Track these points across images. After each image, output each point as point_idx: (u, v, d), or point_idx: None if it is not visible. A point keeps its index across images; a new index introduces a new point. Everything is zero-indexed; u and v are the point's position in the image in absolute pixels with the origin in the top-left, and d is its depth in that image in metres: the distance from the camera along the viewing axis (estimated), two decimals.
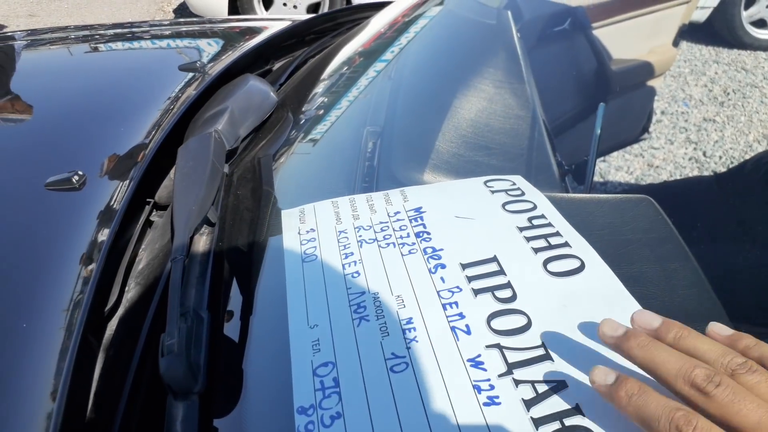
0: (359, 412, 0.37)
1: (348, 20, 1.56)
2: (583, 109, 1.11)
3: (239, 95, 0.86)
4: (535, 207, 0.55)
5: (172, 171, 0.78)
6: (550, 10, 1.32)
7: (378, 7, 1.63)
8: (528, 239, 0.50)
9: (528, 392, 0.37)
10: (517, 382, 0.38)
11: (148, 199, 0.68)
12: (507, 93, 1.01)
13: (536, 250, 0.49)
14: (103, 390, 0.44)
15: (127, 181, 0.67)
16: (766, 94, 1.19)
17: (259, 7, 3.50)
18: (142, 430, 0.43)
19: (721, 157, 1.16)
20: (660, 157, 1.20)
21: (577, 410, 0.35)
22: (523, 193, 0.58)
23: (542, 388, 0.37)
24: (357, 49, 1.12)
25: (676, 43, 1.30)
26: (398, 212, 0.57)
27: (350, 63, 1.06)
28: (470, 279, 0.47)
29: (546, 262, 0.47)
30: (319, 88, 0.98)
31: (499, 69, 1.07)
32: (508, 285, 0.46)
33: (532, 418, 0.35)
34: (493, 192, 0.59)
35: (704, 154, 1.17)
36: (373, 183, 0.66)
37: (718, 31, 1.36)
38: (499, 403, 0.37)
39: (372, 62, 1.06)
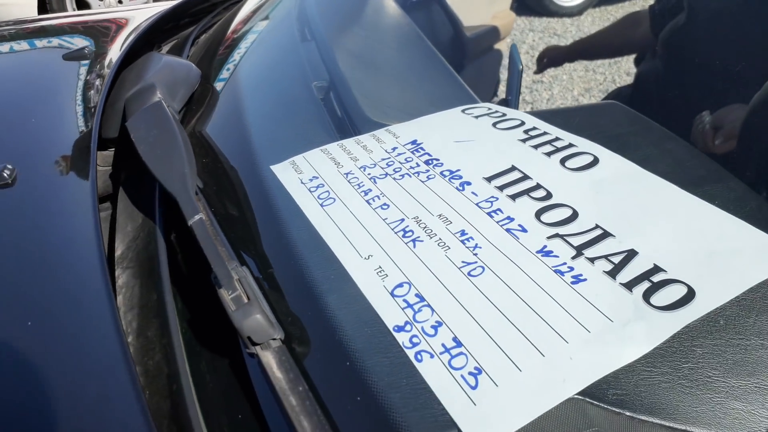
0: (458, 316, 0.38)
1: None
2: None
3: (161, 71, 0.79)
4: (523, 123, 0.58)
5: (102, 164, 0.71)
6: None
7: None
8: (535, 147, 0.53)
9: (606, 265, 0.39)
10: (591, 260, 0.40)
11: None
12: (417, 44, 1.03)
13: (548, 154, 0.52)
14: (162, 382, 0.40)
15: (74, 174, 0.60)
16: None
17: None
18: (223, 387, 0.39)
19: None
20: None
21: (657, 268, 0.38)
22: (504, 114, 0.60)
23: (616, 259, 0.40)
24: (254, 16, 1.09)
25: (512, 7, 1.41)
26: (395, 147, 0.57)
27: (255, 28, 1.03)
28: (501, 188, 0.48)
29: (562, 161, 0.50)
30: (234, 59, 0.93)
31: (398, 28, 1.09)
32: (539, 186, 0.48)
33: (621, 283, 0.38)
34: (477, 117, 0.60)
35: None
36: (349, 129, 0.65)
37: (527, 2, 1.49)
38: (585, 279, 0.39)
39: (277, 24, 1.03)
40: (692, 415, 0.33)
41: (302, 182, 0.54)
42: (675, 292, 0.36)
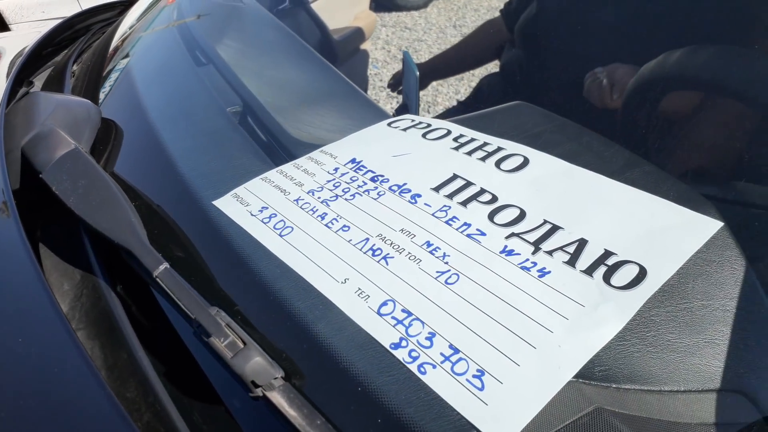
0: (448, 324, 0.40)
1: (83, 26, 1.42)
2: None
3: (56, 112, 0.74)
4: (449, 131, 0.61)
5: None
6: None
7: (108, 9, 1.51)
8: (468, 153, 0.57)
9: (563, 256, 0.44)
10: (549, 253, 0.44)
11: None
12: (310, 58, 1.04)
13: (482, 159, 0.56)
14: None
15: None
16: (431, 46, 1.41)
17: None
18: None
19: (420, 105, 1.35)
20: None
21: (608, 252, 0.43)
22: (429, 124, 0.64)
23: (571, 249, 0.44)
24: (132, 42, 1.04)
25: (372, 7, 1.47)
26: (337, 168, 0.58)
27: (139, 55, 0.98)
28: (450, 196, 0.51)
29: (497, 164, 0.55)
30: (128, 90, 0.89)
31: (278, 39, 1.10)
32: (483, 190, 0.52)
33: (581, 270, 0.42)
34: (404, 129, 0.63)
35: (460, 101, 1.35)
36: (279, 153, 0.65)
37: None
38: (549, 271, 0.43)
39: (163, 49, 1.00)
40: (662, 376, 0.38)
41: (252, 214, 0.54)
42: (629, 272, 0.41)
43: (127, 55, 1.00)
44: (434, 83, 1.36)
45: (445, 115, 1.33)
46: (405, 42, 1.43)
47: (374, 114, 0.92)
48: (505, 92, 1.01)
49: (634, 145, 0.73)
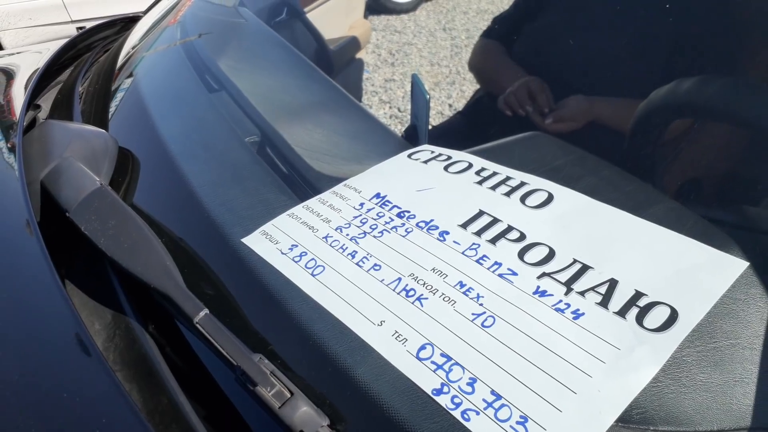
0: (489, 368, 0.41)
1: (86, 44, 1.43)
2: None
3: (73, 144, 0.75)
4: (471, 165, 0.63)
5: None
6: (268, 1, 1.39)
7: (108, 27, 1.51)
8: (492, 188, 0.58)
9: (595, 297, 0.45)
10: (582, 293, 0.46)
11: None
12: (320, 81, 1.05)
13: (507, 194, 0.57)
14: None
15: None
16: (421, 49, 1.42)
17: None
18: None
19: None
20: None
21: (639, 294, 0.45)
22: (450, 156, 0.65)
23: (602, 289, 0.46)
24: (138, 65, 1.05)
25: (366, 16, 1.48)
26: (363, 203, 0.59)
27: (147, 80, 0.99)
28: (478, 234, 0.53)
29: (522, 200, 0.56)
30: (140, 118, 0.89)
31: (286, 61, 1.11)
32: (511, 228, 0.53)
33: (614, 312, 0.44)
34: (425, 162, 0.64)
35: (399, 109, 1.36)
36: (302, 186, 0.66)
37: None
38: (583, 313, 0.44)
39: (172, 73, 1.00)
40: (695, 416, 0.40)
41: (282, 252, 0.54)
42: (662, 314, 0.43)
43: (134, 79, 1.01)
44: (426, 87, 1.37)
45: (445, 126, 1.35)
46: (395, 45, 1.44)
47: (386, 138, 0.93)
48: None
49: (641, 168, 0.75)
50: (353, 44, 1.41)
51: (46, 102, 1.09)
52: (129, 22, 1.46)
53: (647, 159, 0.73)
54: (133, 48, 1.19)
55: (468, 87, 1.26)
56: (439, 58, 1.43)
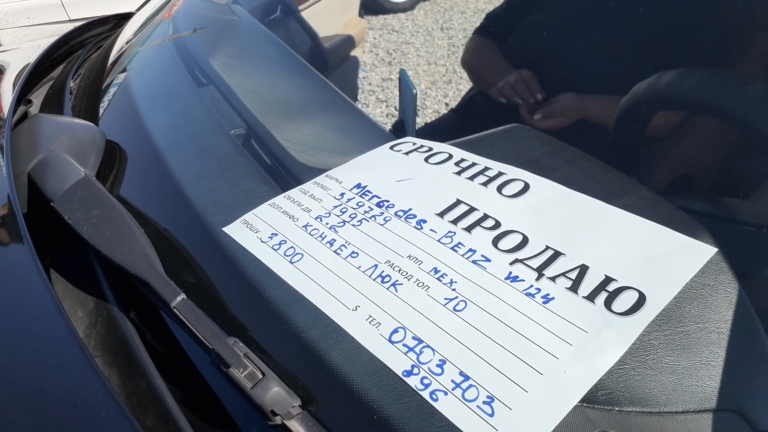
0: (458, 351, 0.42)
1: (78, 41, 1.43)
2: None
3: (61, 137, 0.75)
4: (451, 156, 0.63)
5: None
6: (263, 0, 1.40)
7: (102, 24, 1.52)
8: (470, 178, 0.59)
9: (566, 282, 0.46)
10: (552, 279, 0.46)
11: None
12: (309, 75, 1.06)
13: (484, 184, 0.58)
14: None
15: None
16: (419, 48, 1.42)
17: None
18: None
19: (417, 108, 1.35)
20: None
21: (609, 279, 0.45)
22: (431, 148, 0.66)
23: (573, 275, 0.46)
24: (129, 60, 1.06)
25: (362, 14, 1.49)
26: (343, 193, 0.60)
27: (137, 75, 1.00)
28: (454, 222, 0.53)
29: (498, 189, 0.56)
30: (129, 111, 0.90)
31: (275, 56, 1.11)
32: (487, 216, 0.53)
33: (583, 296, 0.44)
34: (407, 153, 0.65)
35: (395, 108, 1.37)
36: (285, 177, 0.67)
37: (362, 2, 1.56)
38: (553, 298, 0.45)
39: (162, 68, 1.01)
40: (662, 398, 0.40)
41: (262, 241, 0.55)
42: (630, 298, 0.43)
43: (125, 74, 1.01)
44: (423, 87, 1.38)
45: (437, 123, 1.35)
46: (392, 45, 1.44)
47: (373, 132, 0.94)
48: (495, 107, 1.03)
49: (624, 161, 0.76)
50: (348, 42, 1.41)
51: (38, 97, 1.09)
52: (122, 19, 1.47)
53: (627, 150, 0.74)
54: (125, 44, 1.20)
55: (464, 85, 1.27)
56: (436, 57, 1.43)
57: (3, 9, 3.51)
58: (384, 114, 1.35)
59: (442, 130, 1.22)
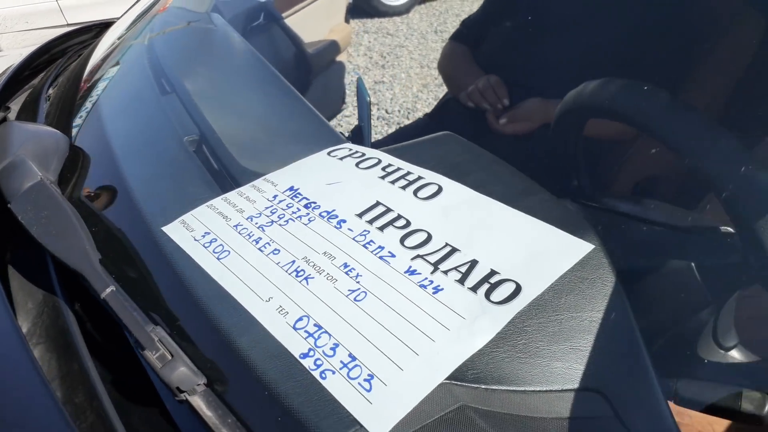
0: (351, 336, 0.47)
1: (60, 49, 1.49)
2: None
3: (28, 143, 0.81)
4: (380, 161, 0.68)
5: None
6: (244, 6, 1.45)
7: (84, 33, 1.57)
8: (392, 182, 0.64)
9: (456, 275, 0.51)
10: (445, 272, 0.51)
11: None
12: (275, 83, 1.11)
13: (403, 188, 0.63)
14: None
15: None
16: (412, 51, 1.46)
17: None
18: None
19: (398, 111, 1.39)
20: (354, 122, 1.41)
21: (493, 272, 0.50)
22: (364, 154, 0.71)
23: (463, 269, 0.51)
24: (104, 70, 1.11)
25: (347, 20, 1.53)
26: (276, 195, 0.65)
27: (110, 84, 1.05)
28: (370, 222, 0.58)
29: (415, 192, 0.62)
30: (96, 119, 0.95)
31: (245, 64, 1.17)
32: (400, 216, 0.59)
33: (468, 288, 0.49)
34: (341, 159, 0.70)
35: (386, 111, 1.41)
36: (228, 182, 0.72)
37: (358, 4, 1.60)
38: (442, 289, 0.50)
39: (133, 78, 1.07)
40: (528, 378, 0.45)
41: (195, 239, 0.60)
42: (507, 289, 0.48)
43: (97, 82, 1.07)
44: (415, 90, 1.42)
45: (411, 126, 1.40)
46: (387, 48, 1.48)
47: (329, 138, 0.99)
48: (466, 112, 1.08)
49: (564, 165, 0.81)
50: (332, 47, 1.45)
51: (18, 104, 1.15)
52: (104, 27, 1.52)
53: (566, 154, 0.79)
54: (103, 53, 1.26)
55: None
56: (429, 60, 1.47)
57: (2, 14, 3.59)
58: (375, 117, 1.39)
59: (413, 134, 1.27)
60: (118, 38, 1.32)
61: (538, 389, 0.45)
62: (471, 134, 0.75)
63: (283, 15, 1.46)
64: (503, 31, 1.13)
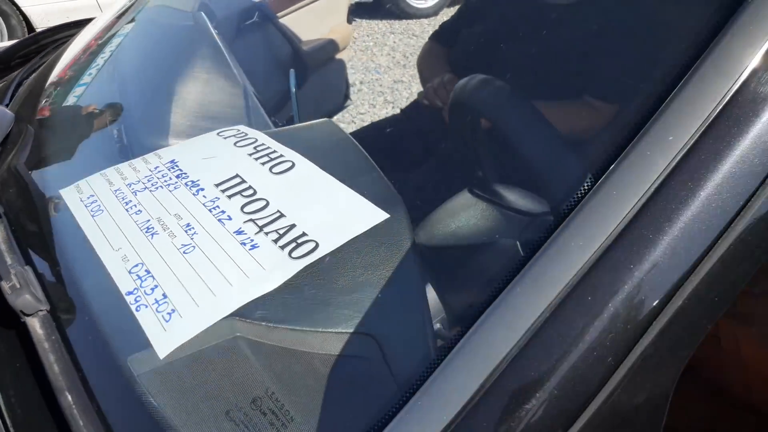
0: (170, 281, 0.56)
1: (50, 41, 1.60)
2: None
3: None
4: (256, 140, 0.78)
5: None
6: (238, 7, 1.54)
7: (75, 26, 1.68)
8: (256, 159, 0.73)
9: (275, 236, 0.60)
10: (266, 233, 0.60)
11: None
12: (219, 77, 1.21)
13: (263, 164, 0.72)
14: None
15: None
16: None
17: None
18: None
19: (388, 103, 1.45)
20: (367, 120, 1.49)
21: (303, 234, 0.59)
22: (246, 134, 0.80)
23: (282, 231, 0.60)
24: (72, 62, 1.21)
25: (350, 21, 1.61)
26: (157, 167, 0.75)
27: (74, 71, 1.16)
28: (223, 191, 0.68)
29: (271, 168, 0.71)
30: (51, 102, 1.06)
31: (207, 60, 1.26)
32: (250, 187, 0.68)
33: (280, 246, 0.58)
34: (225, 138, 0.80)
35: (400, 110, 1.47)
36: (130, 155, 0.82)
37: (386, 6, 1.68)
38: (258, 246, 0.59)
39: (88, 70, 1.17)
40: (309, 320, 0.54)
41: (81, 200, 0.70)
42: (307, 247, 0.57)
43: (66, 70, 1.18)
44: (392, 83, 1.49)
45: (384, 121, 1.48)
46: (411, 48, 1.54)
47: (257, 121, 1.08)
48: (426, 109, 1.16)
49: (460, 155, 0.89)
50: (329, 46, 1.53)
51: None
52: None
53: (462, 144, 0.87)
54: (83, 44, 1.36)
55: None
56: None
57: (44, 9, 3.81)
58: (389, 116, 1.45)
59: (385, 126, 1.35)
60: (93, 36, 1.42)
61: (315, 330, 0.54)
62: (428, 129, 0.82)
63: (282, 13, 1.54)
64: (473, 33, 1.21)
